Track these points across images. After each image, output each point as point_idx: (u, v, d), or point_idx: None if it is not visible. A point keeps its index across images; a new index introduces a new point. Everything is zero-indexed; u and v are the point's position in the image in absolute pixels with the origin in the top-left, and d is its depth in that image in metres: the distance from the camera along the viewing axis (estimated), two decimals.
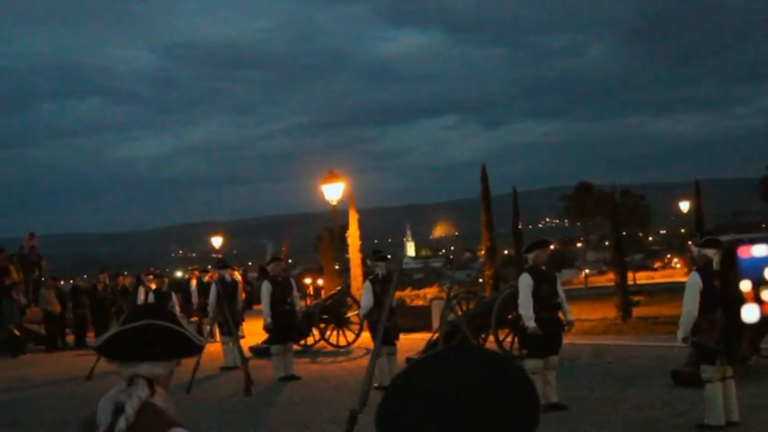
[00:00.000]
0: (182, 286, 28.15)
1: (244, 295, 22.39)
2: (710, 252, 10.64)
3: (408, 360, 15.84)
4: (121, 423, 3.05)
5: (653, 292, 37.86)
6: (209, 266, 26.33)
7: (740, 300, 10.69)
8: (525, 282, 12.48)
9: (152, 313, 3.30)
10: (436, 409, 1.67)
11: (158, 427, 3.06)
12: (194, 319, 25.13)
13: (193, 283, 25.98)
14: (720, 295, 10.44)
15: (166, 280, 23.74)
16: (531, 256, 12.77)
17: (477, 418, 1.64)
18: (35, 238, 32.58)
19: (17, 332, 24.79)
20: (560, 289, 12.91)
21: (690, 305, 10.49)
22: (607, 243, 61.03)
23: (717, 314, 10.37)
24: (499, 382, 1.72)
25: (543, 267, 12.73)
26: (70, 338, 27.14)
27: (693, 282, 10.54)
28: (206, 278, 23.47)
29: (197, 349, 3.32)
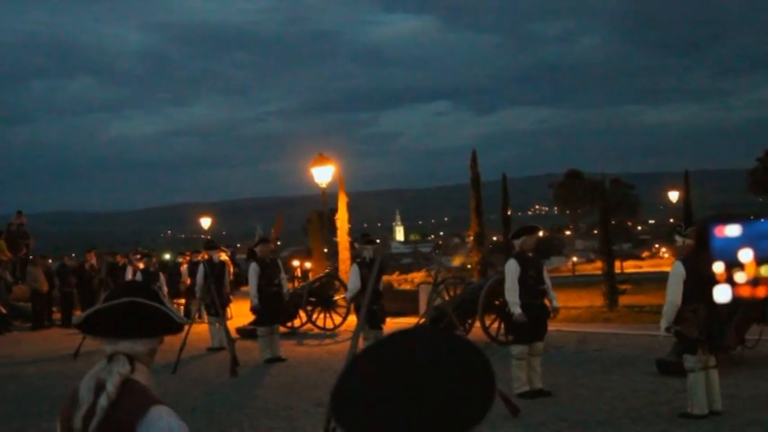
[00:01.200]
0: (170, 267, 28.12)
1: (232, 276, 22.39)
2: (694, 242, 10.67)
3: None
4: (103, 401, 3.05)
5: (640, 281, 37.86)
6: (196, 249, 26.32)
7: (714, 282, 10.71)
8: (512, 268, 12.49)
9: (134, 291, 3.31)
10: (388, 388, 1.67)
11: (141, 405, 3.07)
12: (182, 300, 25.18)
13: (184, 266, 26.01)
14: (704, 285, 10.46)
15: (154, 259, 23.75)
16: (517, 243, 12.77)
17: (427, 398, 1.64)
18: (23, 216, 32.50)
19: (3, 310, 24.74)
20: (546, 276, 12.93)
21: (673, 294, 10.50)
22: (596, 231, 61.11)
23: (699, 304, 10.39)
24: (454, 364, 1.72)
25: (530, 254, 12.73)
26: (57, 316, 27.08)
27: (677, 271, 10.55)
28: (197, 258, 23.42)
29: (177, 328, 3.32)
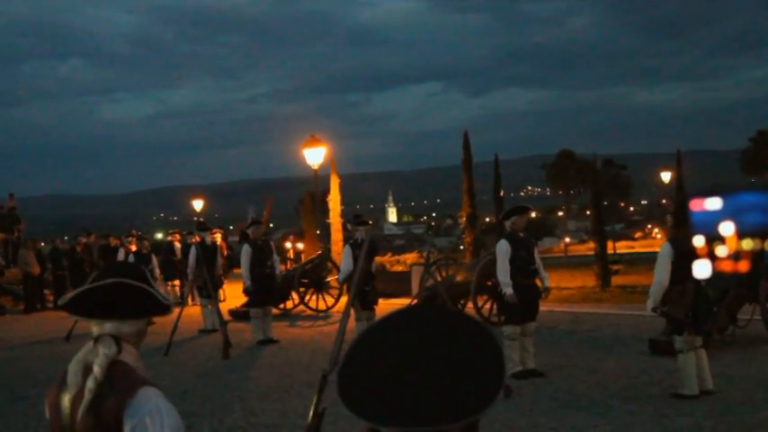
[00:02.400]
0: (163, 248, 28.07)
1: (223, 260, 22.35)
2: None
3: None
4: (90, 383, 3.04)
5: (632, 261, 38.01)
6: (189, 231, 26.29)
7: (694, 256, 10.72)
8: (503, 248, 12.47)
9: (121, 271, 3.29)
10: (396, 367, 1.65)
11: (129, 387, 3.05)
12: (177, 282, 25.14)
13: (176, 244, 25.98)
14: (691, 266, 10.46)
15: (146, 242, 23.70)
16: (508, 223, 12.75)
17: (437, 378, 1.62)
18: (14, 199, 32.46)
19: None
20: (537, 256, 12.92)
21: (661, 275, 10.49)
22: (588, 212, 61.25)
23: (687, 285, 10.40)
24: (464, 343, 1.69)
25: (521, 234, 12.71)
26: (50, 299, 27.04)
27: (665, 252, 10.52)
28: (190, 240, 23.37)
29: (163, 309, 3.29)
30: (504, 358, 1.70)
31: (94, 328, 3.20)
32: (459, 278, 19.83)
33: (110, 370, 3.06)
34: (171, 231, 30.20)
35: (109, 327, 3.17)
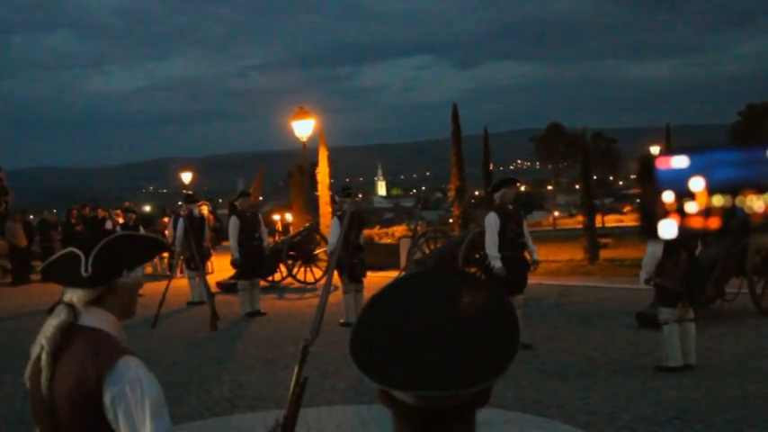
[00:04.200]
0: (150, 221, 28.02)
1: (211, 233, 22.30)
2: None
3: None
4: (43, 354, 3.04)
5: (621, 235, 38.08)
6: (179, 202, 26.27)
7: (695, 235, 10.73)
8: (492, 221, 12.46)
9: (77, 241, 3.31)
10: (410, 329, 1.62)
11: (108, 356, 3.02)
12: (165, 254, 25.13)
13: (165, 220, 25.99)
14: (685, 238, 10.46)
15: (133, 215, 23.64)
16: (497, 195, 12.71)
17: (451, 342, 1.59)
18: (2, 172, 32.29)
19: None
20: (526, 228, 12.90)
21: (653, 247, 10.49)
22: (577, 186, 61.35)
23: (680, 256, 10.41)
24: (478, 307, 1.67)
25: (510, 206, 12.70)
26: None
27: None
28: (179, 212, 23.33)
29: (83, 280, 3.23)
30: (517, 320, 1.68)
31: (65, 296, 3.21)
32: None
33: (88, 338, 3.04)
34: (164, 211, 30.27)
35: (67, 295, 3.17)
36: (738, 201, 1.21)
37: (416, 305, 1.66)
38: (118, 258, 3.25)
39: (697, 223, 1.21)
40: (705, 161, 1.23)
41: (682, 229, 1.22)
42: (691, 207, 1.21)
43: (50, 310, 3.23)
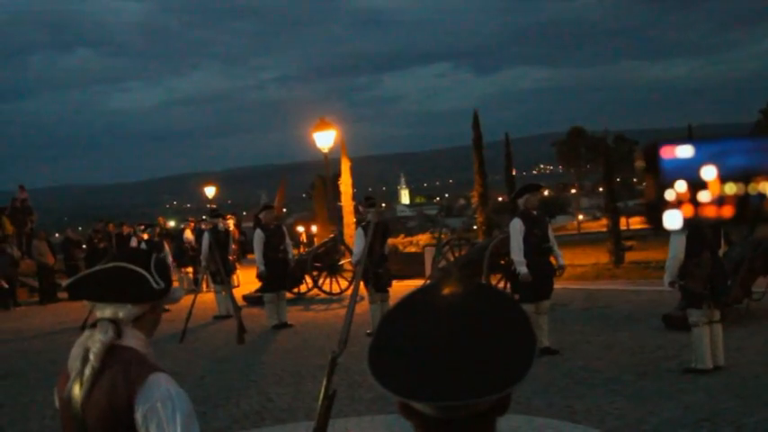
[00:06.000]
0: (174, 235, 28.14)
1: (236, 246, 22.38)
2: None
3: None
4: (87, 370, 3.04)
5: (646, 237, 37.92)
6: (204, 217, 26.38)
7: (717, 235, 10.69)
8: (516, 227, 12.45)
9: (123, 256, 3.28)
10: (427, 342, 1.64)
11: (139, 373, 3.04)
12: (190, 269, 25.26)
13: (188, 233, 26.06)
14: (707, 239, 10.41)
15: (157, 229, 23.75)
16: (521, 201, 12.72)
17: (468, 351, 1.61)
18: (25, 191, 32.56)
19: (5, 284, 24.70)
20: (551, 233, 12.89)
21: (675, 249, 10.45)
22: (601, 189, 61.10)
23: (703, 257, 10.36)
24: (494, 315, 1.68)
25: (534, 212, 12.69)
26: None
27: None
28: (203, 227, 23.45)
29: (155, 293, 3.24)
30: (534, 329, 1.69)
31: (97, 313, 3.20)
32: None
33: (117, 356, 3.06)
34: (185, 219, 30.39)
35: (108, 311, 3.16)
36: (751, 188, 1.23)
37: (433, 315, 1.67)
38: (168, 274, 3.31)
39: (711, 213, 1.23)
40: (710, 151, 1.25)
41: (687, 220, 1.24)
42: (703, 196, 1.23)
43: (84, 327, 3.24)
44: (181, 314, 15.52)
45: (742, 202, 1.25)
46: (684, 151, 1.26)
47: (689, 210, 1.26)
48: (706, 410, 8.80)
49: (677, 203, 1.25)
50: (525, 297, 12.32)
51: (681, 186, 1.25)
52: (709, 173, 1.25)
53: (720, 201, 1.25)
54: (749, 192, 1.25)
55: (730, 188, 1.25)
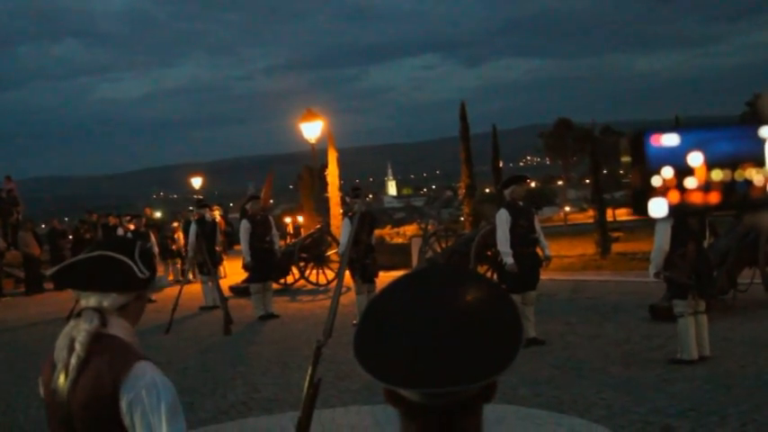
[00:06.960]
0: (160, 226, 28.11)
1: (223, 237, 22.33)
2: None
3: None
4: (73, 359, 3.02)
5: (633, 228, 37.99)
6: (190, 207, 26.33)
7: (702, 226, 10.72)
8: (503, 218, 12.46)
9: (107, 245, 3.27)
10: (413, 327, 1.63)
11: (124, 362, 3.03)
12: (178, 260, 25.26)
13: (175, 225, 26.06)
14: (691, 229, 10.44)
15: (144, 220, 23.68)
16: (507, 192, 12.73)
17: (454, 338, 1.60)
18: (12, 182, 32.43)
19: None
20: (538, 224, 12.90)
21: (660, 240, 10.48)
22: (587, 181, 61.20)
23: (688, 248, 10.38)
24: (480, 302, 1.67)
25: (520, 203, 12.69)
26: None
27: None
28: (190, 217, 23.41)
29: (141, 283, 3.23)
30: (521, 316, 1.68)
31: (82, 302, 3.18)
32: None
33: (102, 345, 3.05)
34: (175, 216, 30.41)
35: (93, 300, 3.15)
36: (738, 175, 1.23)
37: (418, 303, 1.66)
38: (153, 263, 3.29)
39: (697, 199, 1.23)
40: (697, 138, 1.25)
41: (673, 207, 1.23)
42: (690, 183, 1.23)
43: (69, 317, 3.22)
44: (167, 305, 15.51)
45: (728, 188, 1.25)
46: (670, 139, 1.26)
47: (675, 196, 1.25)
48: (691, 400, 8.83)
49: (664, 190, 1.25)
50: (512, 288, 12.32)
51: (668, 173, 1.25)
52: (695, 159, 1.25)
53: (707, 187, 1.25)
54: (736, 178, 1.25)
55: (717, 174, 1.25)
